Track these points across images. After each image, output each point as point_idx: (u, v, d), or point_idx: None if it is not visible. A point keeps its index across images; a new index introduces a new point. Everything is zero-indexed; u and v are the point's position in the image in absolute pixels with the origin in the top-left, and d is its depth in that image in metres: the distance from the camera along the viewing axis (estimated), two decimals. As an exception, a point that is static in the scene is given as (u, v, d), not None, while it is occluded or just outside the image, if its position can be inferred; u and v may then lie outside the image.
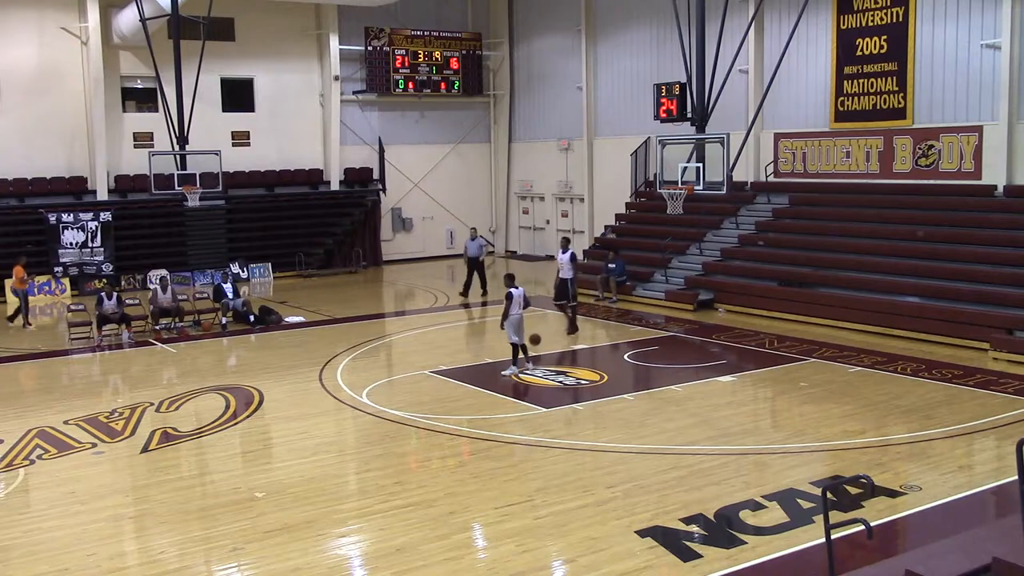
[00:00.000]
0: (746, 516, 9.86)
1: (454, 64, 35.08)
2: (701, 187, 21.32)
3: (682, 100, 23.92)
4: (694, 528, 9.56)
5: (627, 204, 29.95)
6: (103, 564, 9.07)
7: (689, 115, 22.87)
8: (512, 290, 16.39)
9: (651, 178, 28.75)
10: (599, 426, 13.48)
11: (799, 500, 10.23)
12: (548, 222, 35.52)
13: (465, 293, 25.87)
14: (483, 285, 26.06)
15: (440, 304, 25.29)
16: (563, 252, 20.80)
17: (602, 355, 19.27)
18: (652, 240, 26.53)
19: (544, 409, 14.35)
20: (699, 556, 8.90)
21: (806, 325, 20.51)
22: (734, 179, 23.60)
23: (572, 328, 19.97)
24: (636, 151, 29.97)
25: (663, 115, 24.64)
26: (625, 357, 18.36)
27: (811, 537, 9.16)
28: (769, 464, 11.72)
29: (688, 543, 9.21)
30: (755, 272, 23.21)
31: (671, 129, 25.29)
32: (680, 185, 21.89)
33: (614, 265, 24.68)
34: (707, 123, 22.01)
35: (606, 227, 29.59)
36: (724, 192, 21.52)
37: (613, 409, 14.37)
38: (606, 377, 16.46)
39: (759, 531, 9.46)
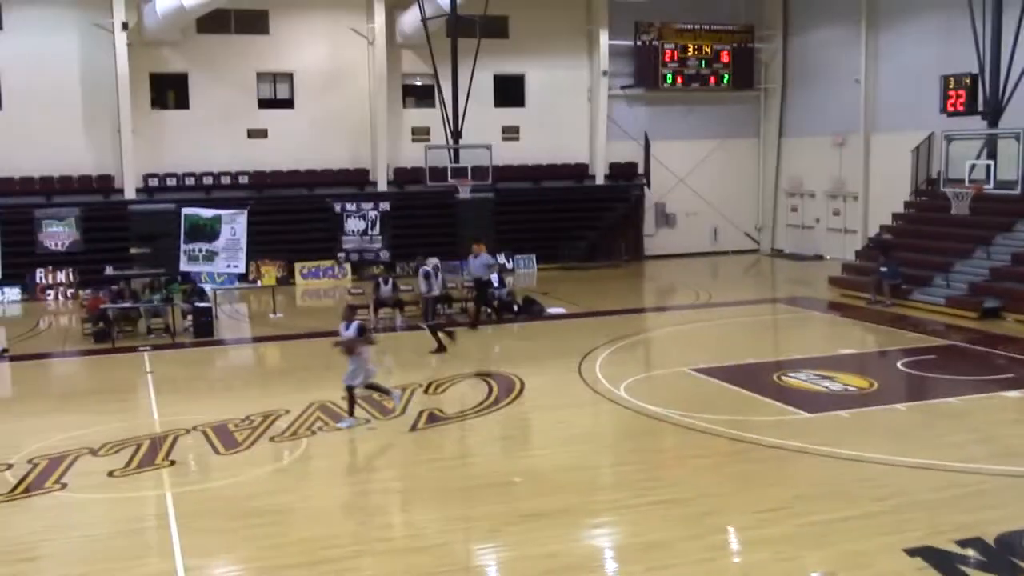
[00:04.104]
0: (1032, 545, 9.05)
1: (724, 57, 34.39)
2: (991, 186, 19.80)
3: (972, 92, 22.29)
4: (970, 552, 8.86)
5: (906, 203, 28.23)
6: (372, 533, 9.63)
7: (980, 109, 21.27)
8: (357, 322, 14.04)
9: (934, 176, 26.96)
10: (866, 435, 12.80)
11: (1096, 532, 9.27)
12: (818, 220, 34.12)
13: (474, 324, 21.35)
14: (494, 312, 22.21)
15: (702, 301, 24.91)
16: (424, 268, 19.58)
17: (872, 361, 18.29)
18: (933, 242, 24.85)
19: (807, 414, 13.80)
20: (975, 583, 8.26)
21: (1110, 340, 18.55)
22: (1030, 178, 21.68)
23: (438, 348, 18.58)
24: (918, 147, 28.17)
25: (950, 109, 23.06)
26: (898, 365, 17.32)
27: (1109, 574, 8.28)
28: (1061, 490, 10.69)
29: (963, 567, 8.56)
30: (1051, 280, 21.22)
31: (959, 124, 23.59)
32: (967, 184, 20.40)
33: (886, 268, 23.35)
34: (1000, 117, 20.36)
35: (881, 227, 28.03)
36: (1018, 192, 19.82)
37: (882, 419, 13.60)
38: (876, 385, 15.61)
39: (1047, 562, 8.66)
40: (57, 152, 28.48)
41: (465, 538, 9.61)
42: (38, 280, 27.03)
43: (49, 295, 27.00)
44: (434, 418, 13.92)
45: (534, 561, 8.85)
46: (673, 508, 10.13)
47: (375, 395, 14.18)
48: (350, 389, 13.54)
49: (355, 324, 13.70)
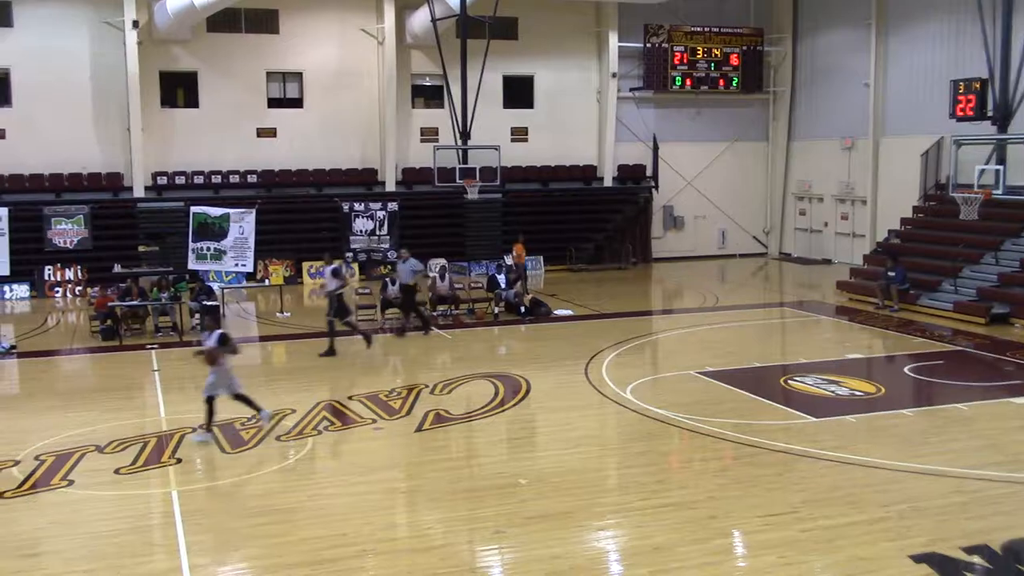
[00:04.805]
0: (1039, 552, 9.02)
1: (734, 60, 34.37)
2: (1000, 191, 19.72)
3: (982, 97, 22.23)
4: (976, 559, 8.84)
5: (914, 208, 28.17)
6: (377, 533, 9.64)
7: (990, 113, 21.20)
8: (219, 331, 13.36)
9: (943, 180, 26.90)
10: (873, 441, 12.77)
11: (1103, 540, 9.23)
12: (826, 224, 34.06)
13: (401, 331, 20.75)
14: (423, 321, 21.01)
15: (709, 304, 24.89)
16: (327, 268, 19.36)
17: (879, 366, 18.25)
18: (941, 247, 24.81)
19: (813, 419, 13.78)
20: (981, 590, 8.24)
21: (1119, 347, 18.49)
22: (1039, 183, 21.63)
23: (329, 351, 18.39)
24: (927, 152, 28.11)
25: (960, 113, 23.00)
26: (905, 370, 17.28)
27: (1116, 583, 8.24)
28: (1068, 497, 10.65)
29: (969, 574, 8.54)
30: (1060, 286, 21.16)
31: (968, 128, 23.53)
32: (976, 189, 20.34)
33: (894, 273, 23.31)
34: (1010, 122, 20.31)
35: (889, 231, 27.99)
36: (1027, 197, 19.76)
37: (889, 424, 13.57)
38: (883, 390, 15.57)
39: (1053, 570, 8.63)
40: (67, 149, 28.57)
41: (469, 539, 9.61)
42: (46, 277, 27.10)
43: (57, 292, 27.06)
44: (440, 419, 13.92)
45: (539, 563, 8.85)
46: (679, 511, 10.12)
47: (249, 410, 13.34)
48: (209, 401, 12.78)
49: (216, 333, 13.13)
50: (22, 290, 26.70)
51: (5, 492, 10.87)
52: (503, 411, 14.47)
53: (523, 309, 22.81)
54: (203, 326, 17.86)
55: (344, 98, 31.24)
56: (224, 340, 13.02)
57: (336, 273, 19.08)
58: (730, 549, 9.33)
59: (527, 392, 15.53)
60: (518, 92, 33.26)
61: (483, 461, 12.38)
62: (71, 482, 11.21)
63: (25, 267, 26.70)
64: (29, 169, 28.38)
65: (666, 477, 11.37)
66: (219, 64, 30.09)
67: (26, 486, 11.11)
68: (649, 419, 13.85)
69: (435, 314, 22.42)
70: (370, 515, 10.15)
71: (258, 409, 13.28)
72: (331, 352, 18.47)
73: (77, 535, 9.71)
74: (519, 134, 33.15)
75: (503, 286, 23.21)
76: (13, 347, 19.70)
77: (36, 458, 11.99)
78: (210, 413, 12.81)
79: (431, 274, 23.50)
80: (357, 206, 30.32)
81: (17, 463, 11.85)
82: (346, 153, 31.39)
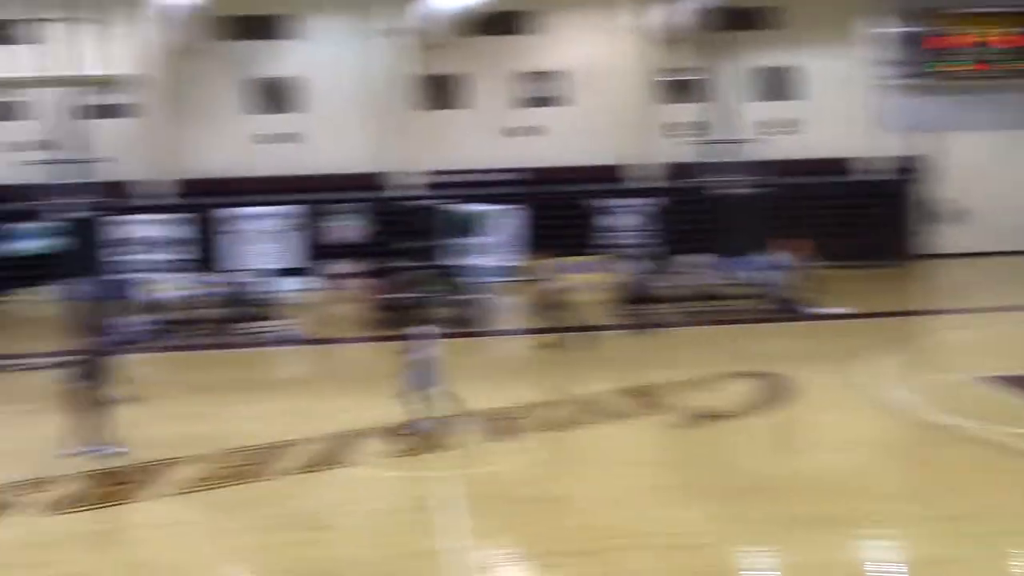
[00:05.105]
0: None
1: (1020, 42, 31.64)
2: None
3: None
4: None
5: None
6: (641, 527, 9.70)
7: None
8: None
9: None
10: None
11: None
12: None
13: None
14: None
15: (997, 304, 23.04)
16: None
17: None
18: None
19: (1118, 431, 12.52)
20: None
21: None
22: None
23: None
24: None
25: None
26: None
27: None
28: None
29: None
30: None
31: None
32: None
33: None
34: None
35: None
36: None
37: None
38: None
39: None
40: (348, 151, 30.65)
41: (734, 539, 9.46)
42: (330, 270, 29.19)
43: (340, 284, 29.05)
44: (703, 416, 13.79)
45: (809, 570, 8.59)
46: (961, 523, 9.50)
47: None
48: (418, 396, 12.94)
49: (423, 328, 13.24)
50: (309, 282, 28.88)
51: (298, 469, 11.83)
52: (767, 410, 14.14)
53: (789, 306, 22.14)
54: (465, 320, 18.64)
55: (601, 95, 31.55)
56: (425, 335, 13.25)
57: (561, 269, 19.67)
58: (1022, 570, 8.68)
59: (792, 392, 15.08)
60: (778, 83, 32.27)
61: (748, 461, 12.16)
62: (353, 463, 12.03)
63: (312, 260, 28.89)
64: (316, 169, 30.68)
65: (946, 487, 10.70)
66: (483, 66, 31.23)
67: (313, 465, 12.02)
68: (924, 425, 13.10)
69: (693, 311, 22.15)
70: (634, 509, 10.23)
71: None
72: (556, 346, 18.85)
73: (359, 513, 10.42)
74: (780, 127, 32.13)
75: (765, 282, 22.62)
76: (301, 336, 21.27)
77: (323, 438, 12.93)
78: (427, 406, 13.07)
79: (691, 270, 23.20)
80: (613, 202, 30.52)
81: (307, 442, 12.83)
82: (603, 150, 31.66)
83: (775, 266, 24.13)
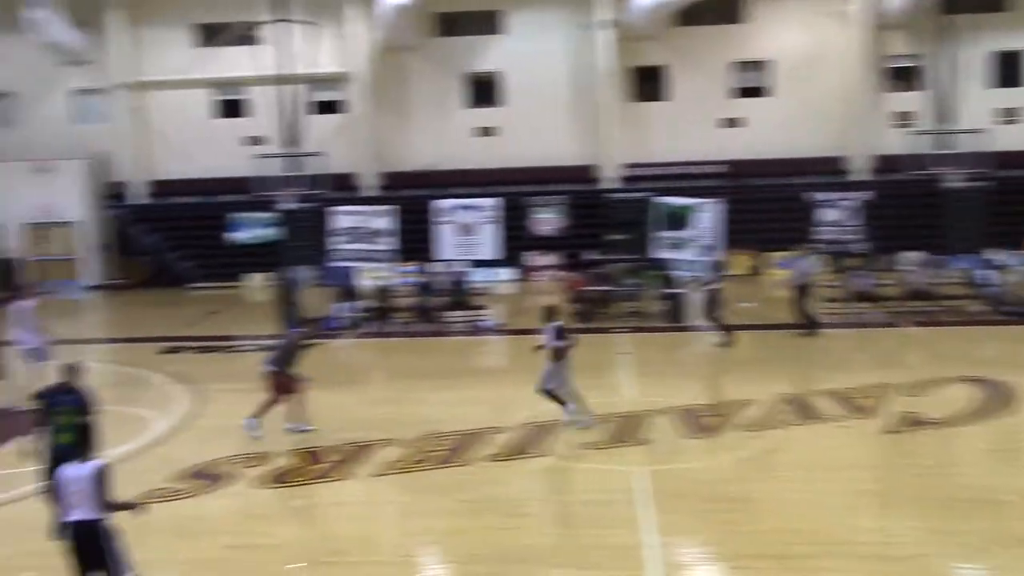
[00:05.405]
0: None
1: None
2: None
3: None
4: None
5: None
6: (839, 534, 9.26)
7: None
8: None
9: None
10: None
11: None
12: None
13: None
14: (809, 323, 19.70)
15: None
16: None
17: None
18: None
19: None
20: None
21: None
22: None
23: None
24: None
25: None
26: None
27: None
28: None
29: None
30: None
31: None
32: None
33: None
34: None
35: None
36: None
37: None
38: None
39: None
40: (547, 144, 30.91)
41: (943, 553, 8.88)
42: (529, 262, 29.53)
43: (537, 276, 29.40)
44: (913, 422, 13.03)
45: (1028, 590, 7.97)
46: None
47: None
48: (548, 393, 12.81)
49: (553, 326, 12.87)
50: (508, 273, 29.34)
51: (492, 456, 12.01)
52: (986, 419, 13.19)
53: (1009, 308, 20.64)
54: (666, 314, 18.46)
55: (812, 84, 30.43)
56: (561, 334, 12.96)
57: (715, 267, 19.17)
58: None
59: (1014, 400, 14.02)
60: (1006, 69, 30.09)
61: (961, 471, 11.38)
62: (549, 453, 12.09)
63: (511, 253, 29.28)
64: (516, 162, 31.11)
65: None
66: (687, 56, 30.76)
67: (511, 452, 12.17)
68: None
69: (905, 311, 21.06)
70: (832, 514, 9.78)
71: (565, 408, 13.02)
72: (725, 344, 18.49)
73: (553, 502, 10.48)
74: (1011, 116, 30.01)
75: (983, 282, 21.18)
76: (500, 325, 21.68)
77: (521, 427, 13.06)
78: (558, 402, 12.89)
79: (905, 267, 22.08)
80: (825, 196, 29.30)
81: (505, 430, 13.01)
82: (813, 141, 30.53)
83: (994, 264, 22.56)
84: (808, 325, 19.56)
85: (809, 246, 28.77)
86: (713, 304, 18.90)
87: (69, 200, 31.96)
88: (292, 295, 17.06)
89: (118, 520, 7.51)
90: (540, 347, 13.10)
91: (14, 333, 15.64)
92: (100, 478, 7.39)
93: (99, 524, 7.39)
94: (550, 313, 13.16)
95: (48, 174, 31.68)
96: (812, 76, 30.33)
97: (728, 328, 18.92)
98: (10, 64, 32.40)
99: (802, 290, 19.65)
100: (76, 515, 7.35)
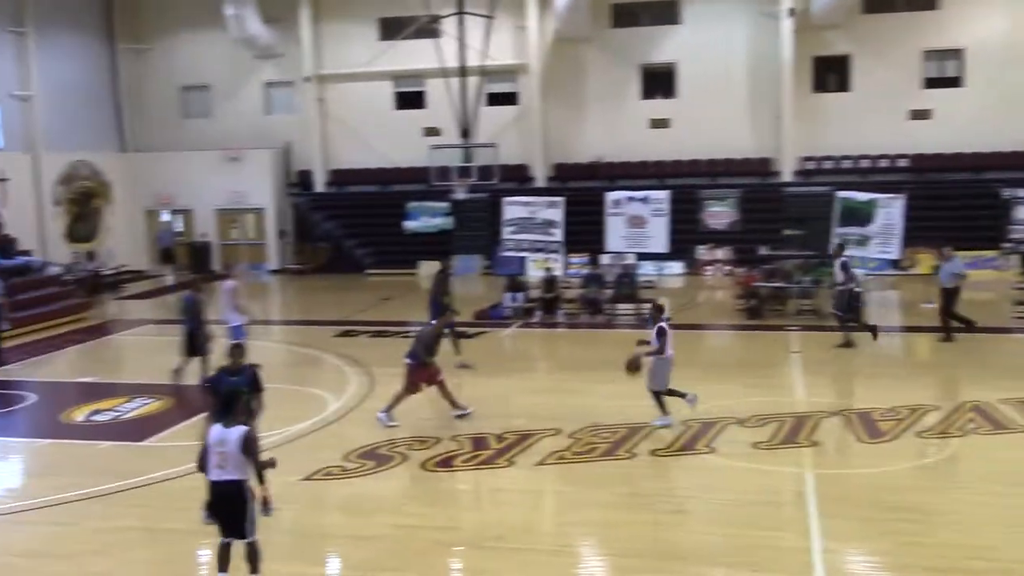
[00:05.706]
0: None
1: None
2: None
3: None
4: None
5: None
6: (1016, 553, 8.71)
7: None
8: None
9: None
10: None
11: None
12: None
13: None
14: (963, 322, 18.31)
15: None
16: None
17: None
18: None
19: None
20: None
21: None
22: None
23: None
24: None
25: None
26: None
27: None
28: None
29: None
30: None
31: None
32: None
33: None
34: None
35: None
36: None
37: None
38: None
39: None
40: (721, 136, 30.28)
41: None
42: (700, 256, 29.05)
43: (708, 271, 28.89)
44: (1111, 436, 12.11)
45: None
46: None
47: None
48: (656, 395, 12.94)
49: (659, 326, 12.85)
50: (677, 267, 28.95)
51: (653, 451, 11.91)
52: None
53: None
54: (844, 312, 17.82)
55: (1011, 74, 28.56)
56: (661, 334, 12.96)
57: (844, 267, 18.03)
58: None
59: None
60: None
61: None
62: (713, 450, 11.89)
63: (681, 246, 28.86)
64: (688, 155, 30.64)
65: None
66: (873, 45, 29.48)
67: (675, 447, 12.04)
68: None
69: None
70: (1014, 531, 9.21)
71: (665, 412, 12.91)
72: (848, 344, 17.64)
73: (716, 500, 10.30)
74: None
75: None
76: (668, 318, 21.36)
77: (683, 423, 12.90)
78: (661, 403, 12.90)
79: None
80: (1020, 192, 27.57)
81: (664, 426, 12.88)
82: (1010, 135, 28.66)
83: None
84: (960, 329, 18.37)
85: (1007, 245, 27.18)
86: (851, 303, 18.02)
87: (257, 187, 33.59)
88: (446, 286, 17.36)
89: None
90: (645, 342, 13.19)
91: (222, 312, 16.65)
92: (247, 443, 7.82)
93: (241, 484, 7.85)
94: (658, 311, 13.45)
95: (238, 162, 33.39)
96: (1013, 65, 28.46)
97: (866, 328, 18.02)
98: (210, 59, 34.32)
99: (950, 293, 18.43)
100: (220, 475, 7.83)
